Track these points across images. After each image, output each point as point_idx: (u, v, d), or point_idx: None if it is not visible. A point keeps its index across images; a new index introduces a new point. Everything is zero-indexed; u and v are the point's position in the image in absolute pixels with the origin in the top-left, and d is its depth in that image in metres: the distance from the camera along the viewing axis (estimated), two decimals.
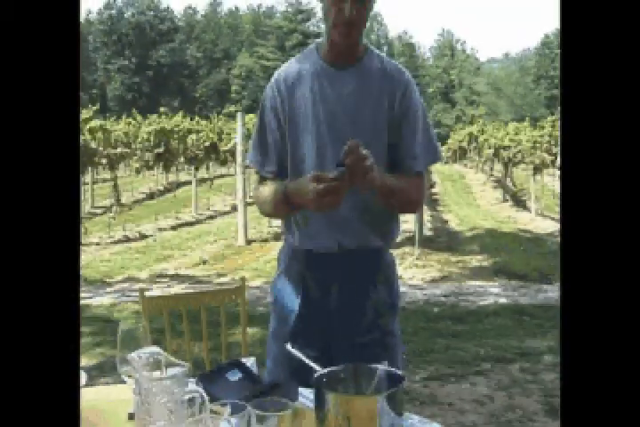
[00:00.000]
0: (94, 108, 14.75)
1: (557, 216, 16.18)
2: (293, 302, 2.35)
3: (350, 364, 1.82)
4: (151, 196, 22.57)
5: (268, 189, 2.28)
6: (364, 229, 2.29)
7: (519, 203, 21.25)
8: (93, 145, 13.91)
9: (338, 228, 2.25)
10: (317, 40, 2.34)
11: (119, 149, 16.36)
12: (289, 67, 2.32)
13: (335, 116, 2.21)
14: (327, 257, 2.29)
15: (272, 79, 2.32)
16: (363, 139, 1.98)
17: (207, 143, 19.29)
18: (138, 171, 19.57)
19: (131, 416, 1.72)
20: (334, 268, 2.29)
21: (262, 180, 2.38)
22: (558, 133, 17.44)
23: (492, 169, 29.27)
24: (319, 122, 2.21)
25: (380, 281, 2.35)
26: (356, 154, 1.91)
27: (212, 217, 17.90)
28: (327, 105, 2.21)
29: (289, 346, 1.92)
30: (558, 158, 18.00)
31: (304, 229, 2.30)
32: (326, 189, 1.93)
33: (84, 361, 5.10)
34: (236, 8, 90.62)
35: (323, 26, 2.30)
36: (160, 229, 15.16)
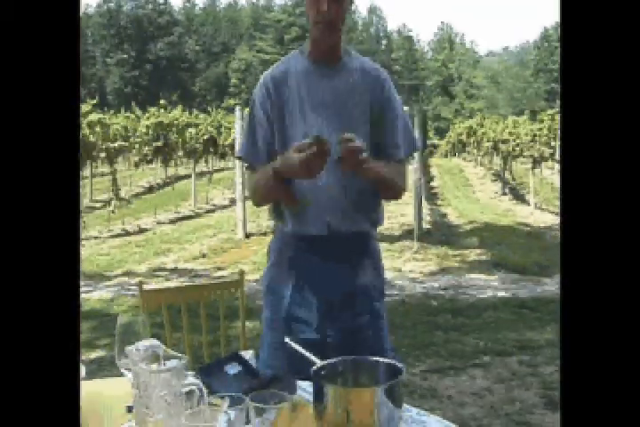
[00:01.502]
0: (93, 101, 14.70)
1: (556, 209, 16.19)
2: (286, 289, 2.45)
3: (349, 357, 1.82)
4: (150, 189, 22.57)
5: (259, 173, 2.40)
6: (352, 213, 2.41)
7: (518, 196, 21.26)
8: (92, 139, 13.90)
9: (327, 211, 2.38)
10: (301, 46, 2.51)
11: (118, 143, 16.31)
12: (276, 67, 2.47)
13: (321, 109, 2.35)
14: (317, 241, 2.40)
15: (261, 78, 2.47)
16: (348, 130, 2.18)
17: (206, 137, 19.28)
18: (137, 165, 19.56)
19: (129, 409, 1.72)
20: (325, 251, 2.41)
21: (253, 170, 2.50)
22: (557, 127, 17.46)
23: (490, 162, 29.27)
24: (306, 115, 2.34)
25: (368, 265, 2.49)
26: (352, 146, 2.07)
27: (211, 211, 17.89)
28: (313, 99, 2.34)
29: (287, 339, 1.92)
30: (557, 152, 18.01)
31: (295, 214, 2.40)
32: (308, 156, 2.08)
33: (83, 355, 5.10)
34: (235, 1, 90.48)
35: None
36: (159, 223, 15.15)
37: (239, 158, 2.54)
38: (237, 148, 2.61)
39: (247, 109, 2.56)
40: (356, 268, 2.45)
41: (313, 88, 2.37)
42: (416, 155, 11.30)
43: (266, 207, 2.57)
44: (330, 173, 2.25)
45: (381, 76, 2.47)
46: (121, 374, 1.74)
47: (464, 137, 33.03)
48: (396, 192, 2.50)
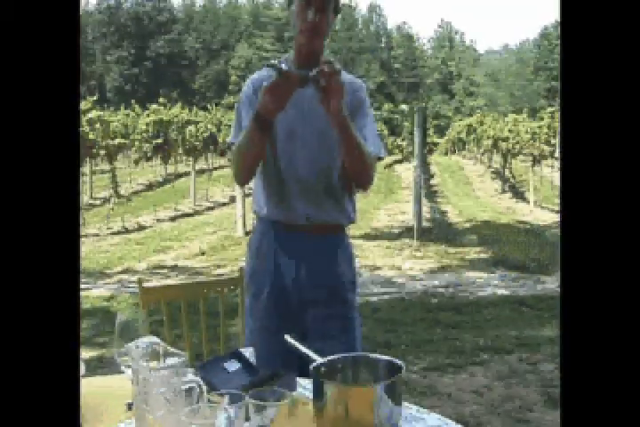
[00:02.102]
0: (92, 99, 14.71)
1: (556, 207, 16.21)
2: (265, 278, 2.60)
3: (349, 354, 1.82)
4: (150, 187, 22.59)
5: (240, 136, 2.52)
6: (329, 206, 2.57)
7: (518, 194, 21.27)
8: (92, 136, 13.90)
9: (307, 202, 2.54)
10: (285, 55, 2.68)
11: (118, 140, 16.31)
12: (261, 72, 2.66)
13: (301, 106, 2.50)
14: (296, 231, 2.57)
15: (247, 80, 2.68)
16: (324, 125, 2.42)
17: (206, 134, 19.27)
18: (136, 162, 19.58)
19: (129, 406, 1.72)
20: (302, 242, 2.57)
21: None
22: (557, 125, 17.47)
23: (490, 160, 29.27)
24: (287, 113, 2.42)
25: (342, 257, 2.62)
26: (330, 67, 2.23)
27: (210, 208, 17.91)
28: (295, 100, 2.39)
29: (287, 337, 1.92)
30: (557, 149, 18.01)
31: (276, 203, 2.57)
32: (273, 83, 2.24)
33: (82, 352, 5.09)
34: None
35: None
36: (159, 221, 15.16)
37: (231, 145, 2.63)
38: (228, 139, 2.68)
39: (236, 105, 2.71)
40: (331, 259, 2.60)
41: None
42: (416, 152, 11.29)
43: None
44: (308, 164, 2.51)
45: (357, 83, 2.64)
46: (121, 372, 1.74)
47: (464, 135, 33.04)
48: (366, 175, 2.55)
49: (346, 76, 2.52)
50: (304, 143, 2.53)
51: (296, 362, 2.09)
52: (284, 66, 2.27)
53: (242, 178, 2.61)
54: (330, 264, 2.60)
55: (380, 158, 2.62)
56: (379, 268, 9.06)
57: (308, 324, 2.58)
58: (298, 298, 2.58)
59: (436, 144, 47.17)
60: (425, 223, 12.92)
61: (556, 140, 17.91)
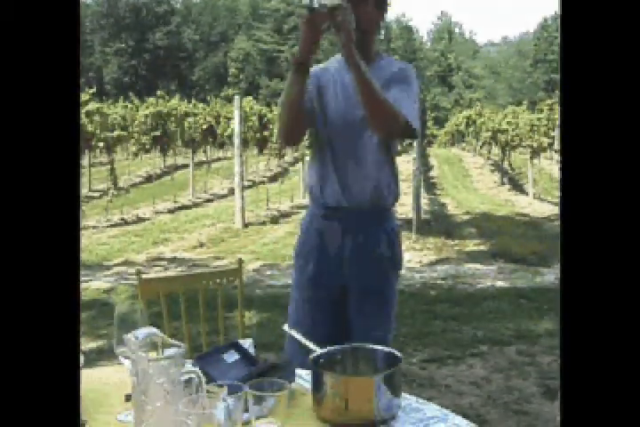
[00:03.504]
0: (91, 91, 14.67)
1: (555, 200, 16.22)
2: (312, 253, 2.76)
3: (348, 345, 1.82)
4: (148, 179, 22.57)
5: None
6: (370, 188, 2.69)
7: (516, 186, 21.27)
8: (90, 128, 13.87)
9: (348, 185, 2.68)
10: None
11: (116, 133, 16.29)
12: (320, 65, 2.87)
13: (348, 93, 2.68)
14: (341, 212, 2.70)
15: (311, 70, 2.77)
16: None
17: (205, 126, 19.24)
18: (135, 154, 19.55)
19: (128, 397, 1.72)
20: (346, 221, 2.70)
21: None
22: (556, 117, 17.45)
23: (489, 152, 29.26)
24: (337, 96, 2.72)
25: (383, 239, 2.74)
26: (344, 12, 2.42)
27: (209, 200, 17.90)
28: (341, 84, 2.72)
29: (286, 327, 1.93)
30: (556, 142, 18.00)
31: (321, 187, 2.73)
32: (309, 16, 2.43)
33: (81, 344, 5.11)
34: None
35: None
36: (157, 213, 15.15)
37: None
38: None
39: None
40: (373, 239, 2.71)
41: (344, 78, 2.69)
42: (415, 144, 11.28)
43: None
44: (361, 153, 2.67)
45: (407, 66, 2.78)
46: (120, 363, 1.74)
47: (463, 127, 32.99)
48: (380, 116, 2.56)
49: (397, 63, 2.80)
50: (350, 133, 2.69)
51: (341, 334, 2.24)
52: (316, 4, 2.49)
53: (285, 133, 2.74)
54: (372, 242, 2.72)
55: (413, 130, 2.63)
56: None
57: (354, 300, 2.72)
58: (342, 273, 2.72)
59: (435, 136, 47.10)
60: (424, 215, 12.92)
61: (555, 133, 17.90)
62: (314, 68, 2.77)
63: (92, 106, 14.20)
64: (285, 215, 14.25)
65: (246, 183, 15.62)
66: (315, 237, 2.77)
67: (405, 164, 15.01)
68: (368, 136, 2.66)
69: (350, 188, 2.68)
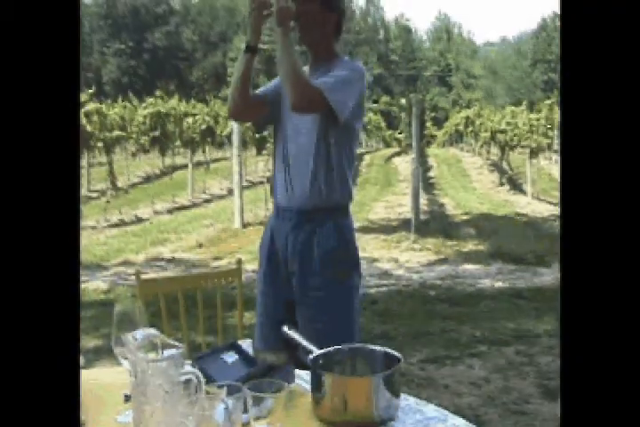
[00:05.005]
0: (90, 91, 14.68)
1: (553, 200, 16.22)
2: (264, 250, 2.89)
3: (347, 345, 1.82)
4: (147, 179, 22.55)
5: None
6: (308, 188, 2.74)
7: (515, 186, 21.26)
8: (89, 128, 13.87)
9: (297, 186, 2.77)
10: None
11: (115, 133, 16.29)
12: None
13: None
14: (287, 211, 2.80)
15: None
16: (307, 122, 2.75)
17: (203, 127, 19.23)
18: (134, 154, 19.56)
19: (127, 398, 1.72)
20: (293, 221, 2.78)
21: None
22: (555, 117, 17.45)
23: (488, 153, 29.25)
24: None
25: (332, 238, 2.76)
26: None
27: (208, 200, 17.89)
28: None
29: (285, 328, 1.93)
30: (555, 142, 18.01)
31: (274, 187, 2.88)
32: (253, 8, 2.70)
33: (81, 344, 5.10)
34: None
35: None
36: (156, 213, 15.14)
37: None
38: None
39: None
40: (317, 236, 2.75)
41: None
42: (413, 144, 11.28)
43: None
44: (302, 153, 2.75)
45: (353, 67, 2.80)
46: (118, 363, 1.74)
47: (461, 127, 32.97)
48: (291, 85, 2.64)
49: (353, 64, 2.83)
50: (295, 135, 2.80)
51: (288, 323, 2.31)
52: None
53: (230, 106, 2.87)
54: (320, 239, 2.75)
55: (326, 102, 2.64)
56: (376, 260, 9.05)
57: (303, 295, 2.77)
58: (290, 269, 2.79)
59: (433, 136, 47.05)
60: (422, 216, 12.92)
61: (554, 133, 17.91)
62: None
63: (91, 106, 14.21)
64: None
65: (245, 183, 15.60)
66: (268, 235, 2.89)
67: (404, 164, 15.00)
68: (308, 135, 2.74)
69: (293, 188, 2.78)
